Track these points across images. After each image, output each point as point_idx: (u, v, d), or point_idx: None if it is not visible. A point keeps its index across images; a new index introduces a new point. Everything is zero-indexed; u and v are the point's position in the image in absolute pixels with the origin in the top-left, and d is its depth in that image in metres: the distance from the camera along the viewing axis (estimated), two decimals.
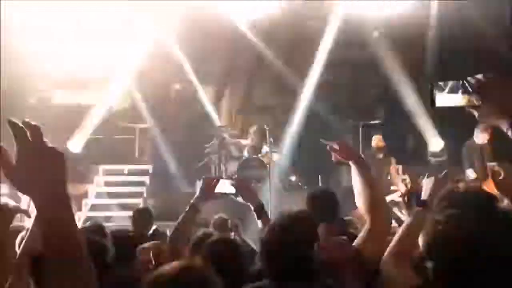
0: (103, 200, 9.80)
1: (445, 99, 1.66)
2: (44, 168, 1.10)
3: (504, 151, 7.53)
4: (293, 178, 9.76)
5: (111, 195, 9.85)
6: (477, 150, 7.47)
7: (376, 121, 9.33)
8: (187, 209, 3.04)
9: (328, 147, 2.74)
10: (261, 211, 2.98)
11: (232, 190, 3.09)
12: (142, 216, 5.73)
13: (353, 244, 2.56)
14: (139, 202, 9.56)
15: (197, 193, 3.12)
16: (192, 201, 3.07)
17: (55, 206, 1.10)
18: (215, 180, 3.12)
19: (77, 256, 1.11)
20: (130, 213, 6.15)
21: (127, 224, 6.20)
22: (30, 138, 1.10)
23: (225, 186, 3.10)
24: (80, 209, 9.32)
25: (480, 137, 7.41)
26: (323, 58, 10.21)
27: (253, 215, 3.03)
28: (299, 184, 9.72)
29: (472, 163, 7.44)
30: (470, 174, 7.36)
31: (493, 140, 7.30)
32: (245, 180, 3.25)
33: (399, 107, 10.12)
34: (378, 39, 10.15)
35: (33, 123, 1.12)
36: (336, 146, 2.73)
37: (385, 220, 2.63)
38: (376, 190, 2.67)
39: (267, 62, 10.38)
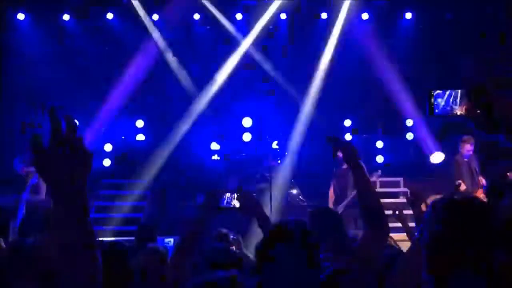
0: (104, 214, 9.77)
1: (443, 107, 1.66)
2: (69, 163, 1.16)
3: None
4: (294, 192, 9.74)
5: (111, 209, 9.84)
6: (466, 163, 7.43)
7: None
8: (192, 224, 2.97)
9: (332, 145, 2.74)
10: (267, 225, 2.89)
11: (237, 203, 3.02)
12: (145, 232, 5.70)
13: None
14: (139, 216, 9.55)
15: (201, 207, 3.04)
16: (196, 215, 3.00)
17: (71, 201, 1.16)
18: (219, 194, 3.05)
19: (90, 258, 1.16)
20: (130, 227, 6.12)
21: (128, 238, 6.17)
22: (65, 132, 1.18)
23: (229, 200, 3.07)
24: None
25: (465, 148, 7.39)
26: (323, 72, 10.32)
27: (256, 228, 2.97)
28: (300, 197, 9.69)
29: (461, 175, 7.35)
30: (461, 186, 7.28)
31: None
32: (250, 193, 3.14)
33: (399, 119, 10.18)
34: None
35: (72, 119, 1.20)
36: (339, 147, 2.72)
37: (383, 226, 2.61)
38: (372, 195, 2.66)
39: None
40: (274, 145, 9.68)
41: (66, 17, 10.15)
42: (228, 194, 3.05)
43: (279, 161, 9.65)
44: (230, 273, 2.33)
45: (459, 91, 1.66)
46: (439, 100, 1.67)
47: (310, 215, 3.58)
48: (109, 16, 10.25)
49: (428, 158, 10.09)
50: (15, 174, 7.44)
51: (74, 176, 1.16)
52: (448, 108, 1.66)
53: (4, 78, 9.68)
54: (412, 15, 10.44)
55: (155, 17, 10.34)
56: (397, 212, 4.13)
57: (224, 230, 5.25)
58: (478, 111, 1.60)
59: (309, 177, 9.69)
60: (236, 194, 3.03)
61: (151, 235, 5.62)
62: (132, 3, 10.07)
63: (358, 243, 2.71)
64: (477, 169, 7.38)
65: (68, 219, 1.14)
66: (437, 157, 9.95)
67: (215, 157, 10.35)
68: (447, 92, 1.67)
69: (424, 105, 1.70)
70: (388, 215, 2.74)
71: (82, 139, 1.18)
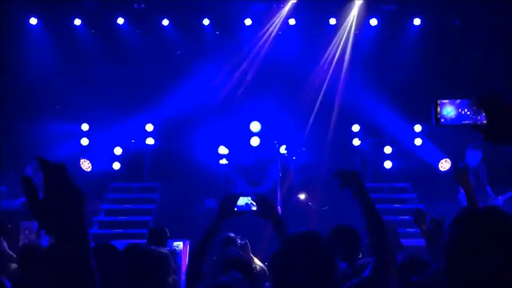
0: (113, 217, 9.85)
1: (450, 117, 1.63)
2: (66, 209, 1.18)
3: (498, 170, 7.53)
4: (302, 196, 9.75)
5: (120, 212, 9.91)
6: (472, 172, 7.39)
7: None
8: (207, 228, 2.96)
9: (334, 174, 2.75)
10: (282, 230, 2.87)
11: (253, 207, 3.00)
12: (157, 236, 5.72)
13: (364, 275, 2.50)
14: (148, 219, 9.61)
15: (217, 211, 3.00)
16: (213, 219, 2.97)
17: (75, 246, 1.18)
18: (234, 197, 3.03)
19: None
20: (139, 230, 6.16)
21: (137, 241, 6.21)
22: (56, 178, 1.19)
23: (245, 203, 3.07)
24: (90, 227, 9.41)
25: (473, 157, 7.34)
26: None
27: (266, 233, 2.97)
28: (308, 203, 9.70)
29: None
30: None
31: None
32: (267, 197, 3.12)
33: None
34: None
35: (59, 163, 1.20)
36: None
37: (387, 247, 2.53)
38: (374, 217, 2.60)
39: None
40: (282, 149, 9.70)
41: (77, 22, 10.25)
42: (244, 198, 3.03)
43: (286, 165, 9.66)
44: (233, 278, 2.36)
45: (468, 100, 1.63)
46: (449, 109, 1.64)
47: (332, 234, 3.54)
48: (120, 21, 10.34)
49: (436, 164, 10.08)
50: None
51: (70, 221, 1.18)
52: (456, 118, 1.62)
53: (15, 82, 9.78)
54: (421, 21, 10.44)
55: (165, 22, 10.42)
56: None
57: (232, 234, 5.26)
58: (486, 121, 1.58)
59: (316, 181, 9.69)
60: (252, 196, 3.03)
61: (161, 239, 5.65)
62: (142, 8, 10.15)
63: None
64: (484, 177, 7.35)
65: (69, 257, 1.17)
66: (445, 165, 9.92)
67: (223, 161, 10.38)
68: (457, 101, 1.63)
69: (431, 113, 1.65)
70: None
71: (72, 183, 1.20)
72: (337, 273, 2.09)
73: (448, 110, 1.63)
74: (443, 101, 1.63)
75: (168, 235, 5.82)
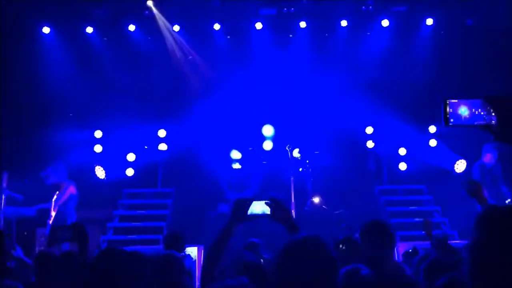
0: (127, 223, 9.89)
1: (460, 117, 1.61)
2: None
3: None
4: (316, 200, 9.70)
5: (134, 218, 9.94)
6: (489, 171, 7.31)
7: None
8: (220, 232, 2.93)
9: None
10: (295, 233, 2.80)
11: (266, 211, 2.95)
12: (174, 240, 5.72)
13: None
14: (162, 225, 9.63)
15: (230, 215, 2.97)
16: (225, 224, 2.94)
17: None
18: (247, 201, 3.00)
19: None
20: (153, 236, 6.17)
21: (151, 247, 6.22)
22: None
23: (258, 207, 3.06)
24: (104, 233, 9.46)
25: (489, 157, 7.27)
26: None
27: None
28: (323, 206, 9.64)
29: (485, 184, 7.27)
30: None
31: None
32: (281, 201, 3.08)
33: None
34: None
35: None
36: None
37: None
38: None
39: None
40: (296, 153, 9.66)
41: (89, 29, 10.35)
42: (258, 202, 2.98)
43: (300, 169, 9.63)
44: (239, 282, 2.34)
45: (479, 100, 1.61)
46: (463, 109, 1.62)
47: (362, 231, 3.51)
48: (131, 28, 10.42)
49: (451, 165, 9.97)
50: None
51: None
52: (470, 118, 1.59)
53: (28, 90, 9.90)
54: (433, 21, 10.36)
55: (176, 28, 10.47)
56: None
57: (256, 240, 5.23)
58: (496, 121, 1.56)
59: (330, 184, 9.64)
60: (266, 202, 3.00)
61: (177, 243, 5.64)
62: (153, 15, 10.21)
63: None
64: (500, 177, 7.27)
65: None
66: (460, 166, 9.82)
67: (236, 165, 10.37)
68: (469, 101, 1.61)
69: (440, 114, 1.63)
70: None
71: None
72: (336, 277, 2.10)
73: (462, 110, 1.61)
74: (452, 101, 1.61)
75: (184, 239, 5.81)
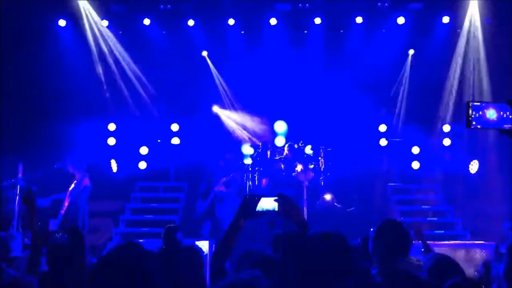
0: (139, 216, 9.96)
1: (487, 120, 1.60)
2: None
3: None
4: (328, 197, 9.67)
5: (146, 211, 10.02)
6: None
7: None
8: (228, 227, 2.96)
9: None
10: (305, 230, 2.80)
11: (275, 207, 2.93)
12: (172, 233, 5.85)
13: None
14: (174, 218, 9.68)
15: (238, 210, 2.99)
16: (233, 219, 2.94)
17: None
18: (256, 197, 2.99)
19: None
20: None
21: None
22: None
23: (267, 204, 3.07)
24: (117, 225, 9.54)
25: None
26: None
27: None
28: (334, 203, 9.62)
29: None
30: None
31: None
32: (289, 197, 3.07)
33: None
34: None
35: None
36: None
37: None
38: None
39: None
40: (308, 150, 9.64)
41: (104, 23, 10.41)
42: (266, 198, 2.98)
43: (311, 165, 9.60)
44: (253, 274, 2.34)
45: (504, 104, 1.60)
46: (491, 112, 1.60)
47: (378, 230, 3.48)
48: (146, 22, 10.45)
49: (465, 165, 9.88)
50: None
51: None
52: (498, 121, 1.58)
53: (44, 83, 9.99)
54: (449, 19, 10.26)
55: (191, 22, 10.48)
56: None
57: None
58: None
59: (341, 182, 9.61)
60: (275, 196, 3.00)
61: (172, 235, 5.77)
62: (168, 9, 10.24)
63: None
64: None
65: None
66: (474, 166, 9.73)
67: (248, 160, 10.38)
68: (495, 105, 1.59)
69: (460, 114, 1.63)
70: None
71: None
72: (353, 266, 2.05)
73: (491, 113, 1.60)
74: (475, 103, 1.60)
75: (178, 232, 5.90)
